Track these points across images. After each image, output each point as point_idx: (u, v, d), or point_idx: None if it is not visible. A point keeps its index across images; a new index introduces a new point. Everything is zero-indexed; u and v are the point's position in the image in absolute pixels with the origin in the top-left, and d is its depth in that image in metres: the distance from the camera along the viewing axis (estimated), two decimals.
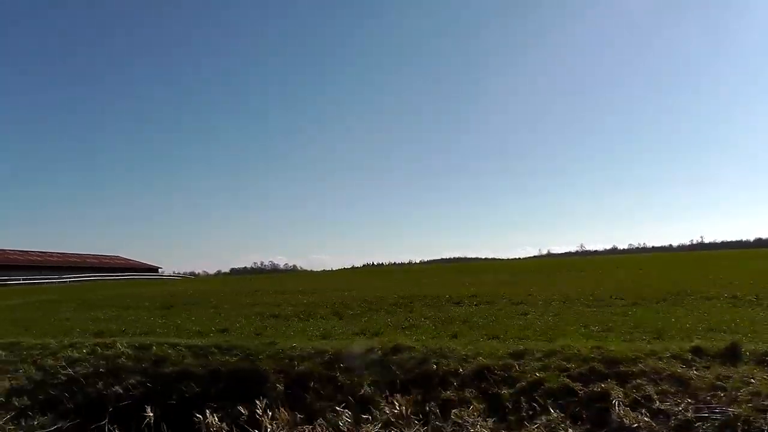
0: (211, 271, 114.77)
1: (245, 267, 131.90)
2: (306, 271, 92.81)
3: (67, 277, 61.45)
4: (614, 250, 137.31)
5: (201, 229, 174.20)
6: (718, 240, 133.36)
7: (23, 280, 56.19)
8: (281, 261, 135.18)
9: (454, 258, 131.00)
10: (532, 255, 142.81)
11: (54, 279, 59.81)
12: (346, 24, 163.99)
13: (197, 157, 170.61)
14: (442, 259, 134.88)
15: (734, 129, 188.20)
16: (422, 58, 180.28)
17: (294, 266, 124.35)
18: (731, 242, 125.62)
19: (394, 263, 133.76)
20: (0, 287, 49.35)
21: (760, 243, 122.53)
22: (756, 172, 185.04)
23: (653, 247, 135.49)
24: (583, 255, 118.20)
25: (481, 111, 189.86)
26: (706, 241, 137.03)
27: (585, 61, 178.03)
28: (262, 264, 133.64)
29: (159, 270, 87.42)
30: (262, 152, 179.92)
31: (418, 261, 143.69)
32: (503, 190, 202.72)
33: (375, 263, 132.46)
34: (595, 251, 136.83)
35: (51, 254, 74.00)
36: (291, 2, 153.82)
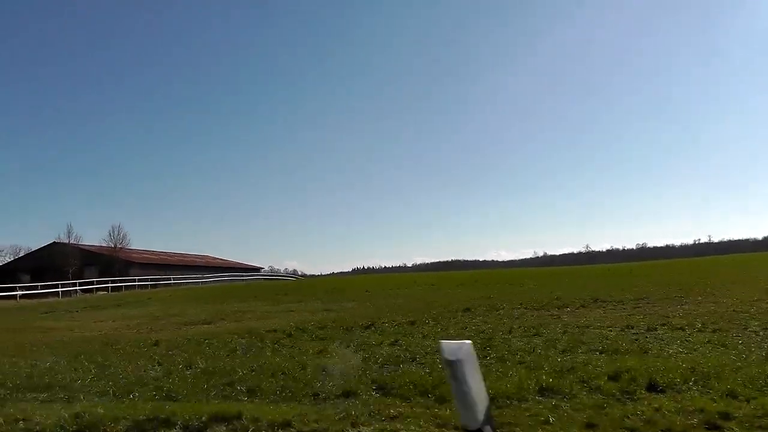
0: None
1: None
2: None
3: (208, 277, 53.75)
4: (618, 251, 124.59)
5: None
6: (726, 239, 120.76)
7: (173, 280, 48.50)
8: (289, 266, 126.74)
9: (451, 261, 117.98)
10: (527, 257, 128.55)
11: (197, 279, 52.14)
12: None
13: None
14: (440, 261, 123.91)
15: (733, 127, 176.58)
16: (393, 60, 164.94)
17: (294, 271, 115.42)
18: (738, 241, 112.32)
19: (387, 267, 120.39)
20: (164, 286, 41.61)
21: None
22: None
23: (654, 247, 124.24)
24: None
25: (469, 111, 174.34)
26: (715, 240, 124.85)
27: (574, 61, 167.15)
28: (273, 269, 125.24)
29: (261, 270, 79.59)
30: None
31: (410, 264, 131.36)
32: (490, 193, 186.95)
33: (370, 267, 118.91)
34: (599, 252, 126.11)
35: (164, 254, 66.26)
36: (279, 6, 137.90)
